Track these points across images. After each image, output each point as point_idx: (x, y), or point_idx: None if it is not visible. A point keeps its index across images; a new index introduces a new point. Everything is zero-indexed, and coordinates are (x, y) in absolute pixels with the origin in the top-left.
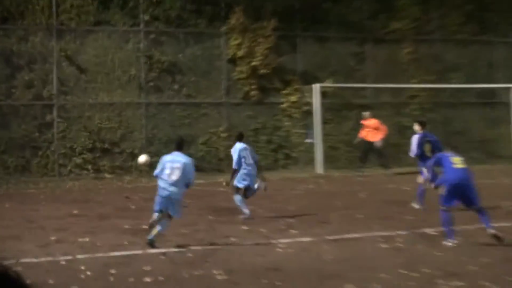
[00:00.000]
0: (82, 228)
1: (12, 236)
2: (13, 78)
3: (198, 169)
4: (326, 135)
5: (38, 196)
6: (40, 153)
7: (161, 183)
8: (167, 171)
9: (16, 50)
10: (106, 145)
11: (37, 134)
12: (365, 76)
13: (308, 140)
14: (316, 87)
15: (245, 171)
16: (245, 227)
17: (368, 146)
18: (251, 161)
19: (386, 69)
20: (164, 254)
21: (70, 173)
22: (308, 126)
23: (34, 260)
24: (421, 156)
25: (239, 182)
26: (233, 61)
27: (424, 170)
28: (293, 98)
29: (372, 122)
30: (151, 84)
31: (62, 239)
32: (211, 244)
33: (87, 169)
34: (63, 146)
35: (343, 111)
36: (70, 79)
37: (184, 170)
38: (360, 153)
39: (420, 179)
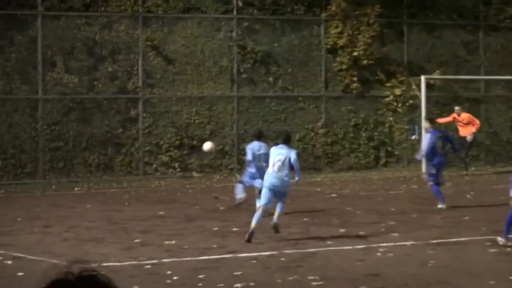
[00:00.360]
0: (168, 230)
1: (94, 238)
2: (96, 69)
3: (293, 167)
4: (449, 125)
5: (122, 196)
6: (123, 150)
7: (267, 175)
8: (272, 163)
9: (99, 39)
10: (194, 142)
11: (120, 130)
12: (477, 67)
13: (413, 137)
14: (423, 79)
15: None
16: (342, 230)
17: (465, 142)
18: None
19: (501, 59)
20: (255, 258)
21: (155, 171)
22: (414, 122)
23: (117, 264)
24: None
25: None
26: (333, 51)
27: None
28: (397, 91)
29: (464, 116)
30: (244, 76)
31: (147, 242)
32: (306, 248)
33: (174, 168)
34: (148, 143)
35: (451, 105)
36: (156, 71)
37: (288, 162)
38: (462, 151)
39: None
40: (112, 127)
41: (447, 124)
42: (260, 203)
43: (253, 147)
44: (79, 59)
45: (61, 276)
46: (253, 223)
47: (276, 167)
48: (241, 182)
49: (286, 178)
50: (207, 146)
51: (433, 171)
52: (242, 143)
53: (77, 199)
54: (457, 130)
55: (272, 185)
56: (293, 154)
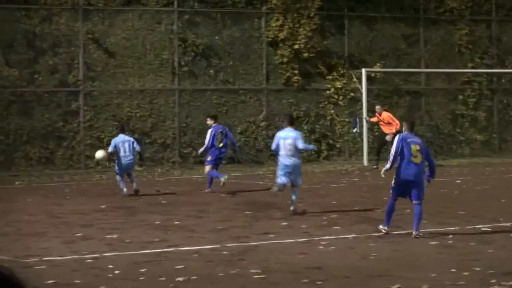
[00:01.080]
0: (109, 224)
1: (35, 232)
2: (36, 62)
3: (235, 160)
4: (374, 124)
5: (63, 189)
6: (65, 143)
7: (281, 158)
8: (283, 146)
9: (39, 32)
10: (136, 135)
11: (61, 123)
12: (417, 60)
13: (354, 130)
14: (364, 72)
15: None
16: (284, 223)
17: (382, 139)
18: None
19: (441, 52)
20: (197, 252)
21: (97, 165)
22: (355, 114)
23: (59, 258)
24: None
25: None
26: (274, 44)
27: None
28: (338, 84)
29: (385, 115)
30: (185, 69)
31: (88, 236)
32: (248, 241)
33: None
34: (89, 136)
35: (393, 97)
36: (97, 64)
37: (296, 143)
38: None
39: None
40: (53, 120)
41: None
42: (279, 182)
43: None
44: (19, 52)
45: None
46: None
47: (287, 150)
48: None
49: (298, 160)
50: (99, 154)
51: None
52: (184, 136)
53: (18, 193)
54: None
55: (286, 167)
56: (299, 139)
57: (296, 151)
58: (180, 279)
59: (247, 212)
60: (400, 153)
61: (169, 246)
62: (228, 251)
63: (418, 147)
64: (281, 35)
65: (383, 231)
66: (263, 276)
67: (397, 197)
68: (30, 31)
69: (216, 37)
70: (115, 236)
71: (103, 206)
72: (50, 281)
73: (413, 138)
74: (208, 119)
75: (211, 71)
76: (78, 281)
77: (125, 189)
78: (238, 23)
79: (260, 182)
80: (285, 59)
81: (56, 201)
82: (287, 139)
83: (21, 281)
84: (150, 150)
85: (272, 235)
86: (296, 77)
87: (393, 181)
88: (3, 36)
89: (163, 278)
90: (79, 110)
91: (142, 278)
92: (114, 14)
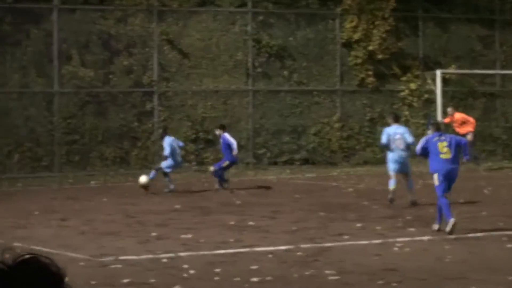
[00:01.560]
0: (184, 224)
1: (110, 231)
2: (111, 63)
3: (309, 161)
4: (447, 126)
5: (138, 189)
6: (139, 144)
7: (391, 152)
8: (394, 141)
9: (114, 33)
10: (210, 136)
11: (136, 123)
12: (492, 62)
13: (429, 131)
14: (439, 74)
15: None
16: (358, 224)
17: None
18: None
19: None
20: (272, 252)
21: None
22: (429, 116)
23: (134, 257)
24: None
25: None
26: (348, 45)
27: None
28: (413, 86)
29: (458, 116)
30: (259, 70)
31: (164, 235)
32: (323, 242)
33: (190, 161)
34: None
35: (468, 99)
36: (171, 65)
37: (405, 138)
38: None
39: None
40: (128, 120)
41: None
42: (391, 171)
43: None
44: (95, 53)
45: None
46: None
47: (398, 144)
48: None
49: (405, 153)
50: (143, 179)
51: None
52: (258, 137)
53: (94, 192)
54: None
55: (396, 160)
56: (407, 133)
57: (405, 145)
58: (255, 279)
59: (321, 213)
60: (430, 152)
61: (244, 247)
62: (303, 252)
63: (445, 144)
64: (355, 36)
65: (436, 228)
66: (338, 277)
67: (444, 193)
68: (105, 32)
69: (290, 38)
70: (189, 236)
71: (177, 206)
72: (125, 280)
73: (440, 137)
74: (217, 130)
75: (285, 72)
76: (153, 281)
77: (172, 186)
78: (312, 24)
79: (334, 184)
80: (359, 60)
81: (131, 201)
82: (396, 134)
83: (61, 270)
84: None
85: (346, 236)
86: (370, 79)
87: (435, 181)
88: (79, 37)
89: (238, 279)
90: (153, 111)
91: (216, 278)
92: (188, 15)
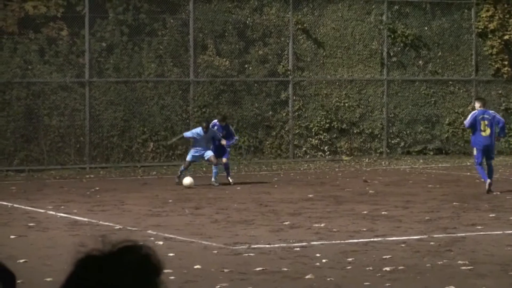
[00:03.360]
0: (317, 213)
1: (243, 220)
2: (247, 52)
3: (443, 152)
4: None
5: (271, 178)
6: (273, 133)
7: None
8: (480, 127)
9: (250, 22)
10: (344, 125)
11: (271, 112)
12: None
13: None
14: None
15: None
16: (492, 215)
17: None
18: None
19: None
20: (404, 242)
21: (305, 154)
22: None
23: (267, 246)
24: None
25: None
26: (483, 34)
27: None
28: None
29: None
30: (394, 59)
31: (296, 224)
32: (456, 232)
33: (323, 151)
34: (298, 126)
35: None
36: (306, 54)
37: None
38: None
39: None
40: (263, 110)
41: None
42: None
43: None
44: (230, 42)
45: (94, 252)
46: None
47: (484, 128)
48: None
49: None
50: (187, 181)
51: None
52: (392, 126)
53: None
54: None
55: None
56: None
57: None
58: (387, 269)
59: (454, 203)
60: (473, 127)
61: (376, 236)
62: (435, 242)
63: (486, 122)
64: (491, 26)
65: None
66: (471, 267)
67: (480, 161)
68: (241, 22)
69: (425, 28)
70: (322, 225)
71: (310, 195)
72: (258, 269)
73: (484, 115)
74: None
75: (420, 61)
76: (285, 269)
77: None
78: (447, 14)
79: (468, 174)
80: (494, 50)
81: (264, 190)
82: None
83: (160, 263)
84: (358, 140)
85: (480, 227)
86: (505, 68)
87: (474, 152)
88: (215, 27)
89: (370, 268)
90: (288, 100)
91: (349, 268)
92: (324, 5)
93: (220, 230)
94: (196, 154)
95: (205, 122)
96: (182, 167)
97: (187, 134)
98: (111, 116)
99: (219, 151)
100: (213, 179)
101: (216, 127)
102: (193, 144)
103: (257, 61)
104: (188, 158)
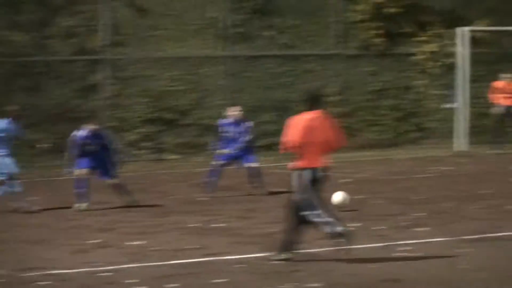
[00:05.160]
0: (134, 228)
1: (38, 240)
2: (47, 25)
3: None
4: (474, 98)
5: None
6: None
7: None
8: None
9: None
10: (171, 115)
11: (78, 100)
12: None
13: (447, 105)
14: (464, 32)
15: None
16: (355, 224)
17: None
18: None
19: None
20: (243, 262)
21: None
22: (451, 86)
23: (67, 271)
24: None
25: None
26: None
27: None
28: (430, 47)
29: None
30: (236, 30)
31: (106, 243)
32: (308, 247)
33: (145, 148)
34: (113, 117)
35: (499, 64)
36: (124, 25)
37: None
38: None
39: None
40: (68, 96)
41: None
42: None
43: None
44: (27, 11)
45: None
46: None
47: None
48: None
49: None
50: (338, 197)
51: None
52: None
53: None
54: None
55: None
56: None
57: None
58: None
59: None
60: None
61: (208, 255)
62: (282, 261)
63: None
64: None
65: None
66: None
67: None
68: None
69: None
70: (138, 242)
71: (125, 206)
72: None
73: None
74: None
75: (270, 33)
76: None
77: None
78: None
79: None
80: (363, 16)
81: (67, 200)
82: None
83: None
84: (189, 134)
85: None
86: (376, 39)
87: None
88: None
89: None
90: (100, 84)
91: None
92: None
93: (6, 253)
94: None
95: None
96: None
97: None
98: None
99: None
100: None
101: None
102: None
103: (61, 36)
104: None
